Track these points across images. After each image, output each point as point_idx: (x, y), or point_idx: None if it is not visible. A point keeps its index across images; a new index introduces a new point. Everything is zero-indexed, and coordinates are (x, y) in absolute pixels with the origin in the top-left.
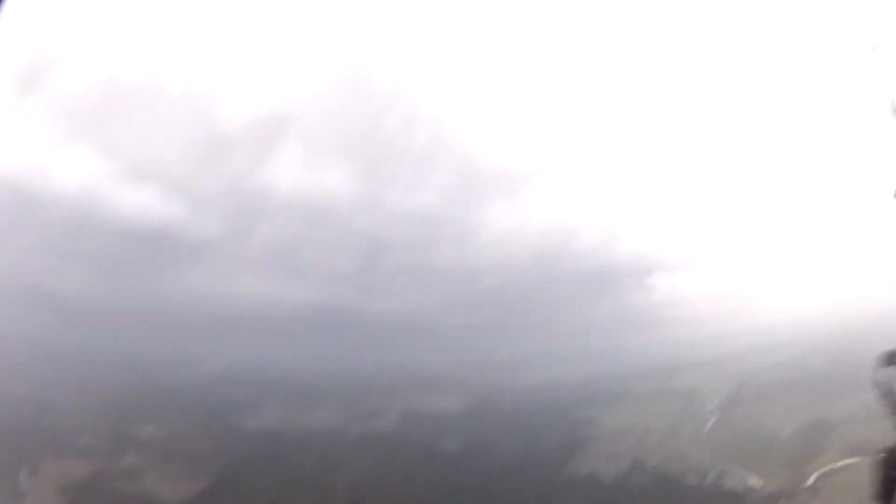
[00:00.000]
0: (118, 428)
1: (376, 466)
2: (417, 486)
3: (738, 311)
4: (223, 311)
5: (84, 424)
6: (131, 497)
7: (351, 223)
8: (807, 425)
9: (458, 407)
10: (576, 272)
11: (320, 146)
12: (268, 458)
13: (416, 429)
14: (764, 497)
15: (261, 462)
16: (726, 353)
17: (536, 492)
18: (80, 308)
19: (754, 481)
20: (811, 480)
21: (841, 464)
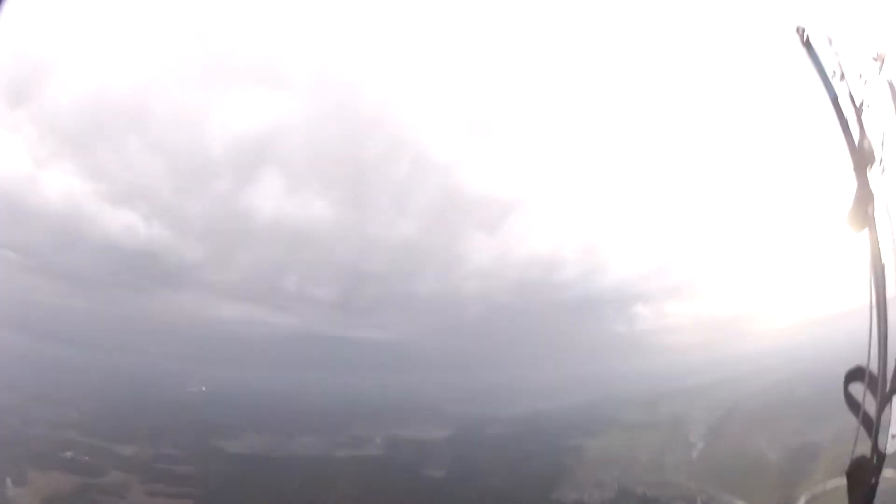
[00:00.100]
0: (102, 445)
1: (361, 491)
2: None
3: (724, 338)
4: (207, 334)
5: (69, 439)
6: None
7: (333, 251)
8: (794, 449)
9: (442, 434)
10: (560, 301)
11: (302, 173)
12: (251, 481)
13: (401, 455)
14: None
15: (244, 485)
16: (712, 380)
17: None
18: (64, 323)
19: None
20: (800, 503)
21: (830, 485)
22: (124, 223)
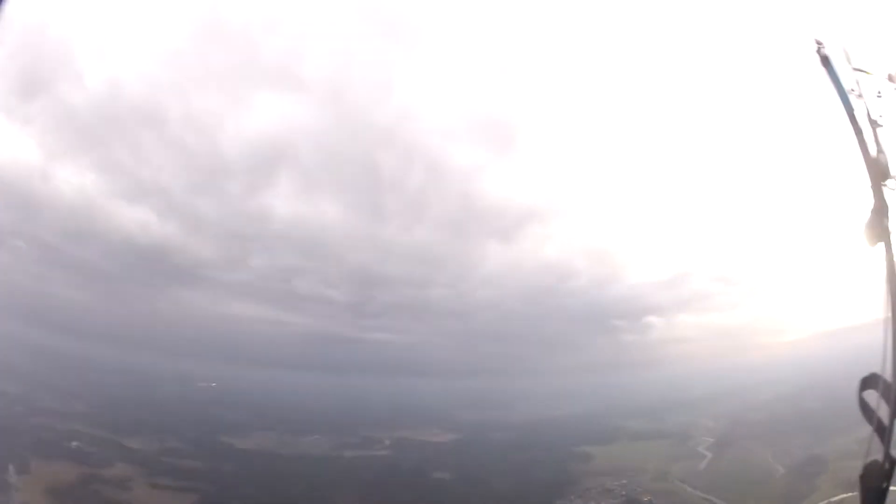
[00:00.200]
0: (108, 437)
1: (368, 491)
2: None
3: (733, 350)
4: (218, 331)
5: (75, 430)
6: None
7: (346, 256)
8: (801, 462)
9: (449, 438)
10: (571, 310)
11: (317, 178)
12: (258, 478)
13: (408, 457)
14: None
15: (251, 482)
16: (720, 391)
17: None
18: (75, 315)
19: None
20: None
21: (836, 499)
22: (138, 219)
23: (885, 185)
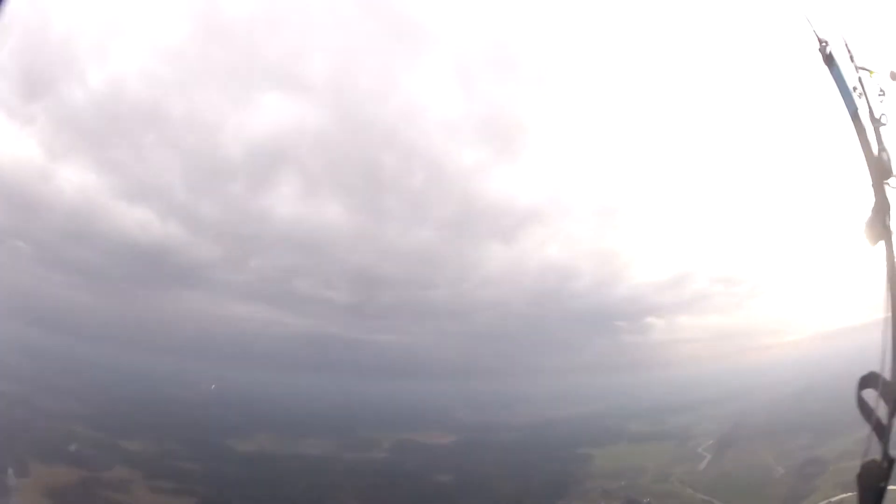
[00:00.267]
0: (108, 439)
1: (367, 494)
2: None
3: (734, 351)
4: (218, 334)
5: (74, 432)
6: None
7: (347, 257)
8: (801, 463)
9: (450, 440)
10: (573, 311)
11: (319, 179)
12: (258, 481)
13: (408, 459)
14: None
15: (250, 484)
16: (720, 393)
17: None
18: (75, 316)
19: None
20: None
21: (836, 499)
22: (139, 219)
23: (886, 184)
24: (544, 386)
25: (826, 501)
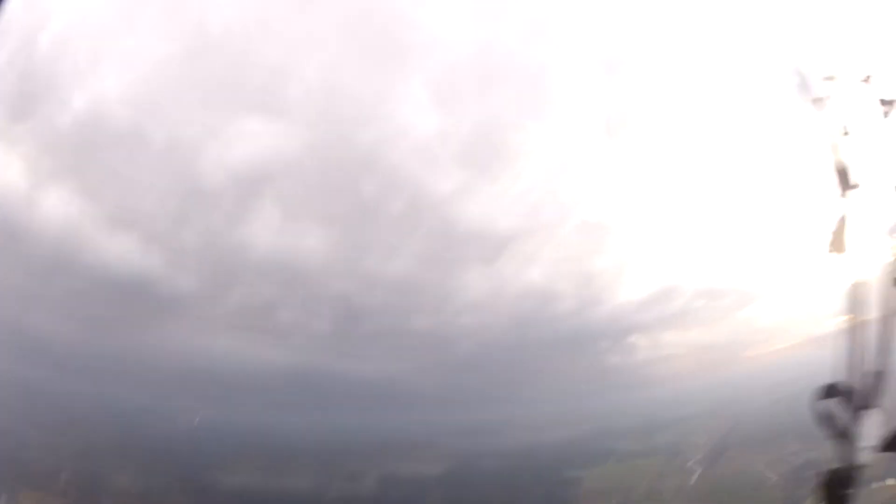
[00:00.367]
0: (94, 473)
1: None
2: None
3: (720, 363)
4: (200, 367)
5: (61, 465)
6: None
7: (328, 286)
8: (794, 468)
9: (437, 470)
10: (555, 334)
11: (297, 208)
12: None
13: (395, 492)
14: None
15: None
16: (708, 406)
17: None
18: (58, 350)
19: None
20: None
21: None
22: (120, 249)
23: (849, 194)
24: (529, 411)
25: None
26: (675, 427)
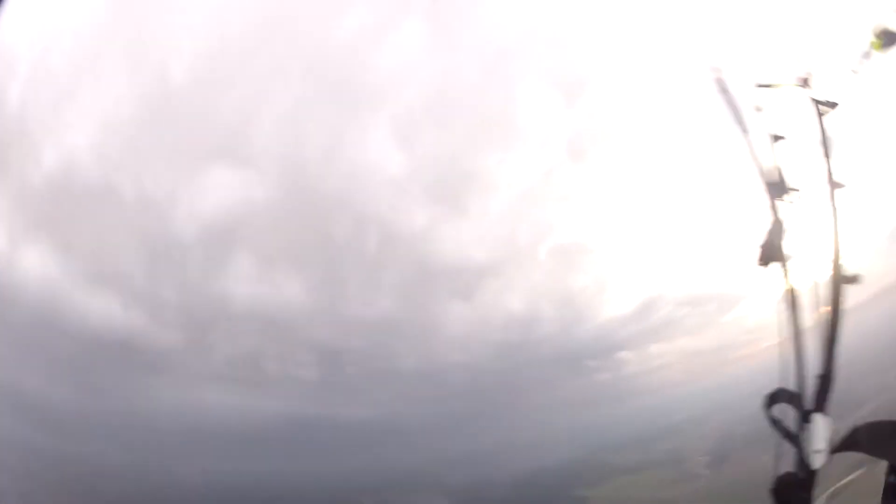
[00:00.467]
0: None
1: None
2: None
3: (710, 368)
4: (190, 422)
5: None
6: None
7: (310, 333)
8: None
9: None
10: (542, 358)
11: (271, 256)
12: None
13: None
14: None
15: None
16: (704, 412)
17: None
18: (46, 409)
19: None
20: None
21: (843, 482)
22: (102, 309)
23: (782, 201)
24: (525, 436)
25: (833, 488)
26: (673, 435)
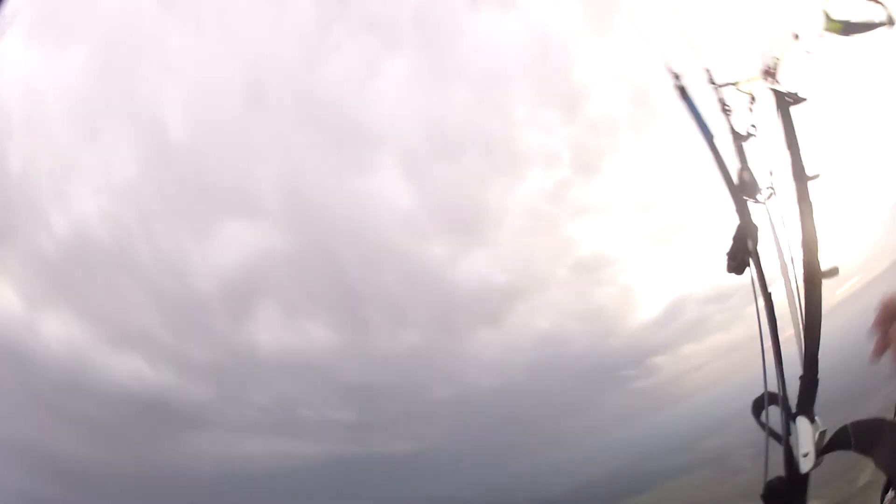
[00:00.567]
0: None
1: None
2: None
3: (746, 361)
4: (228, 473)
5: None
6: None
7: (340, 374)
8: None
9: None
10: (576, 374)
11: (295, 301)
12: None
13: None
14: None
15: None
16: (745, 404)
17: None
18: (78, 470)
19: None
20: (863, 481)
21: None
22: (129, 368)
23: (751, 203)
24: (567, 453)
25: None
26: (717, 433)
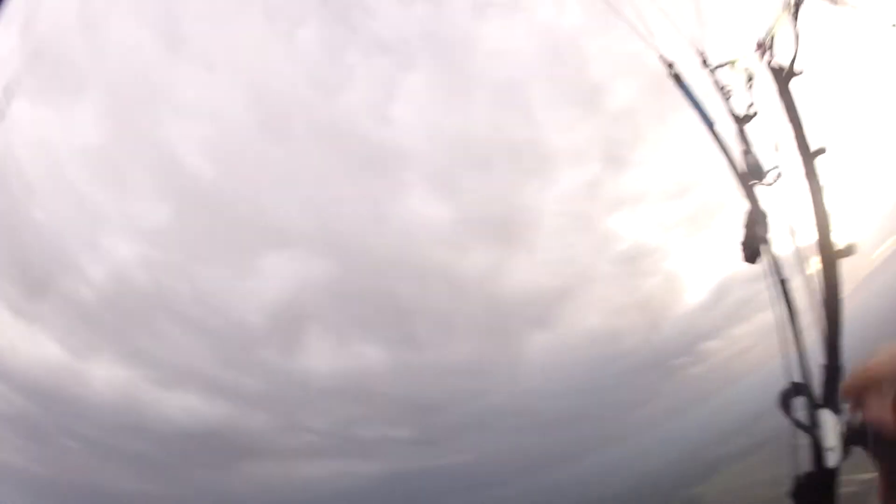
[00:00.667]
0: None
1: None
2: None
3: (791, 338)
4: (288, 498)
5: None
6: None
7: (396, 392)
8: None
9: None
10: (630, 368)
11: (344, 326)
12: None
13: None
14: None
15: None
16: (797, 378)
17: None
18: None
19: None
20: None
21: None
22: (182, 405)
23: (756, 186)
24: (627, 447)
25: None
26: (771, 413)
